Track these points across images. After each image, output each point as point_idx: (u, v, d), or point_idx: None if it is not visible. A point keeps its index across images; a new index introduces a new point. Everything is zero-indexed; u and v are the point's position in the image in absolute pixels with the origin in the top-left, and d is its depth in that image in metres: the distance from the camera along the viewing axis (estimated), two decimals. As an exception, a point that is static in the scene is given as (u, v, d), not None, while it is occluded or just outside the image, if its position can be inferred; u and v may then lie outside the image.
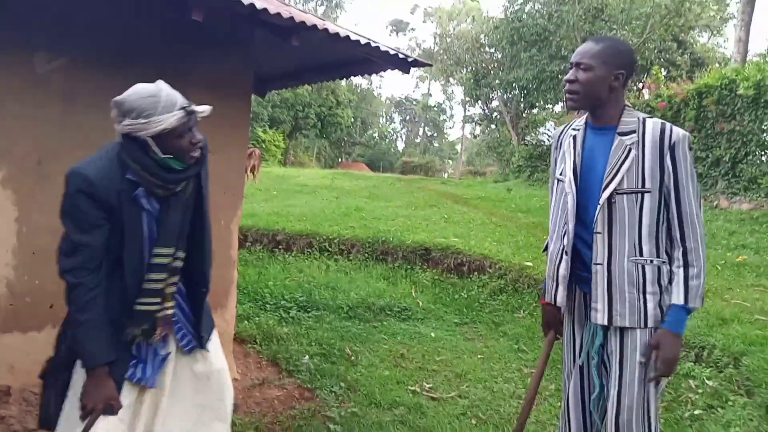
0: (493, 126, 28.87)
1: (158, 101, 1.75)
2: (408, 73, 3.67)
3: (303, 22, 2.88)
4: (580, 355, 2.15)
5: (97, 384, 1.76)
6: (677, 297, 1.91)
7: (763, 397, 3.08)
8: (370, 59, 3.52)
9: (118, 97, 1.78)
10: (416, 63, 3.48)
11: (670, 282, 1.96)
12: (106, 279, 1.80)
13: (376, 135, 50.69)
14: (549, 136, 21.25)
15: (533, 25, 19.69)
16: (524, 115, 24.48)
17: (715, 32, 23.57)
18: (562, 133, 2.20)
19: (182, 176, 1.85)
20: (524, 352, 4.66)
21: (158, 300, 1.87)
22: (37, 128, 2.80)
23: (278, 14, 2.76)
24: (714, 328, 3.88)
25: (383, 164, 43.58)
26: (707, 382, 3.47)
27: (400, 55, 3.35)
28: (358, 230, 7.77)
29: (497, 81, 23.18)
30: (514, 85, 21.81)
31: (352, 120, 37.42)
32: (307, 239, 7.43)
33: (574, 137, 2.11)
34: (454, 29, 28.54)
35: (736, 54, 12.42)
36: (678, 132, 1.93)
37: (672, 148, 1.91)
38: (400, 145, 56.89)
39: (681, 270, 1.93)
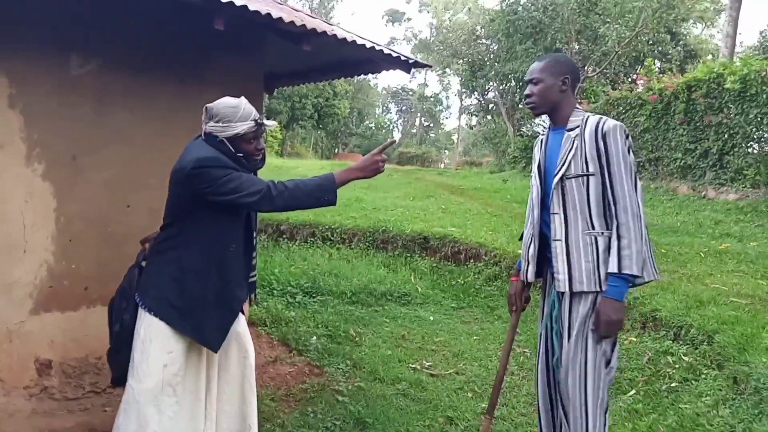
0: (489, 117, 29.10)
1: (237, 112, 2.17)
2: (409, 73, 3.94)
3: (314, 29, 3.15)
4: None
5: None
6: (612, 266, 2.19)
7: (731, 370, 3.38)
8: (374, 60, 3.80)
9: (209, 104, 2.21)
10: (417, 64, 3.75)
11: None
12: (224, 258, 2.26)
13: (372, 126, 50.80)
14: (544, 128, 21.47)
15: (528, 18, 19.84)
16: (520, 106, 24.70)
17: (708, 24, 23.79)
18: (537, 139, 2.59)
19: (251, 166, 2.29)
20: (517, 333, 4.91)
21: (255, 272, 2.43)
22: (72, 126, 3.07)
23: (292, 22, 3.03)
24: (692, 310, 4.18)
25: (380, 155, 43.61)
26: (683, 358, 3.78)
27: (402, 58, 3.61)
28: (359, 220, 8.06)
29: (493, 72, 23.38)
30: (510, 76, 22.02)
31: (349, 111, 37.55)
32: (310, 229, 7.72)
33: (541, 140, 2.53)
34: (449, 20, 28.67)
35: (723, 48, 12.69)
36: (609, 123, 2.26)
37: (604, 136, 2.23)
38: (397, 136, 56.99)
39: (615, 242, 2.20)
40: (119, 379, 2.32)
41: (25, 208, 2.92)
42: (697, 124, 9.88)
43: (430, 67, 4.24)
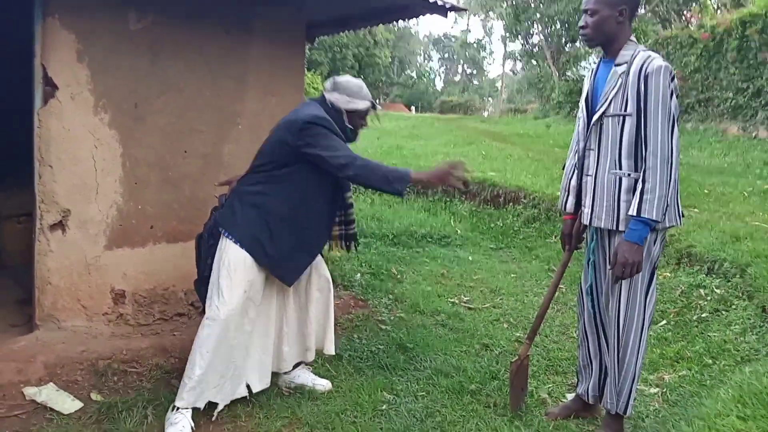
0: (533, 62, 28.33)
1: (361, 90, 2.62)
2: (446, 17, 4.02)
3: (352, -24, 3.26)
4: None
5: None
6: (632, 208, 2.20)
7: (761, 299, 3.48)
8: (411, 6, 3.89)
9: (338, 78, 2.63)
10: (453, 8, 3.83)
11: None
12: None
13: (414, 75, 50.14)
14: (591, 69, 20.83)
15: (575, -45, 19.08)
16: (566, 49, 23.95)
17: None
18: (588, 70, 2.59)
19: (350, 138, 2.69)
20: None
21: (354, 226, 2.93)
22: (132, 77, 3.31)
23: (331, -29, 3.15)
24: (727, 245, 4.25)
25: (422, 104, 43.30)
26: (716, 290, 3.88)
27: (439, 2, 3.70)
28: (399, 167, 8.23)
29: (537, 15, 22.68)
30: (555, 18, 21.33)
31: (390, 60, 37.15)
32: (353, 176, 7.95)
33: (592, 70, 2.51)
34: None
35: (783, -20, 11.94)
36: (655, 64, 2.19)
37: (646, 78, 2.18)
38: (439, 85, 56.10)
39: (640, 185, 2.19)
40: None
41: (95, 153, 3.21)
42: (751, 61, 9.52)
43: (466, 10, 4.29)
